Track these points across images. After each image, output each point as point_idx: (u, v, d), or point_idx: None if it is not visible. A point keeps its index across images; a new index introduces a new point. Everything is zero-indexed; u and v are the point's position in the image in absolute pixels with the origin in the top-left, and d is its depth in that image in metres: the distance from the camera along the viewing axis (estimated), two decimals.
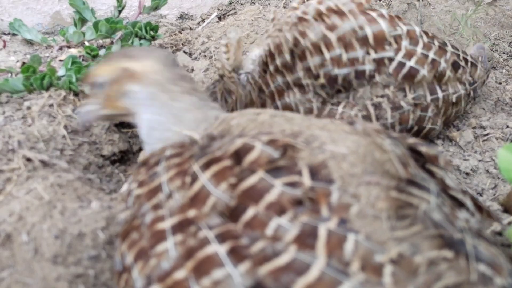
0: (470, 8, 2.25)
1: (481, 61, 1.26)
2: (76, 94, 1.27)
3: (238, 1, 2.34)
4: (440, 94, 1.12)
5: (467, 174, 1.09)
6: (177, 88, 0.86)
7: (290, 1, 2.31)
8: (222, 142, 0.67)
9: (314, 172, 0.59)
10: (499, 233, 0.76)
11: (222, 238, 0.55)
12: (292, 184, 0.57)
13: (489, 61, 1.30)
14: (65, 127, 1.14)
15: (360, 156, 0.62)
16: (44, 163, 1.04)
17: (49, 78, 1.25)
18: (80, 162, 1.12)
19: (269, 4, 2.24)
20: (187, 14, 2.27)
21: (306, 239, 0.53)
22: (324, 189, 0.57)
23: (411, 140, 0.72)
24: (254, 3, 2.29)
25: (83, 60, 1.55)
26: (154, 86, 0.86)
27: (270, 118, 0.75)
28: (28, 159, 1.05)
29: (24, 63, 1.52)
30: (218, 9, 2.26)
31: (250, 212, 0.56)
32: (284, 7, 2.12)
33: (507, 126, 1.20)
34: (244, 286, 0.51)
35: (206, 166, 0.62)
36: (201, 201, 0.59)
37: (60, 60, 1.57)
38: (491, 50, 1.91)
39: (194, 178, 0.61)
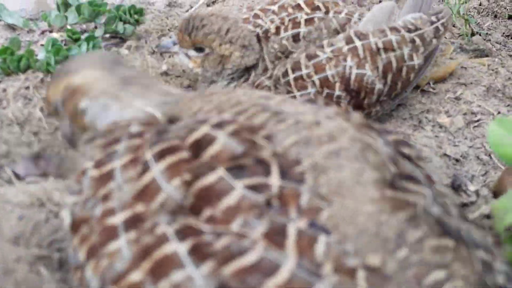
0: None
1: (421, 6, 1.27)
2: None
3: None
4: (358, 43, 1.16)
5: (457, 160, 1.06)
6: (127, 94, 0.75)
7: None
8: (179, 126, 0.60)
9: (284, 170, 0.53)
10: (487, 216, 0.73)
11: (183, 234, 0.49)
12: (256, 188, 0.51)
13: (439, 13, 1.26)
14: (41, 109, 1.10)
15: (352, 155, 0.56)
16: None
17: (26, 60, 1.21)
18: (57, 145, 1.08)
19: None
20: (175, 1, 2.23)
21: (275, 236, 0.48)
22: (293, 191, 0.51)
23: (394, 137, 0.67)
24: None
25: (65, 44, 1.50)
26: (102, 96, 0.75)
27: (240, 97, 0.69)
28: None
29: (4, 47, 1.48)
30: None
31: (208, 210, 0.50)
32: None
33: (499, 112, 1.17)
34: None
35: (160, 155, 0.55)
36: (150, 196, 0.52)
37: (42, 45, 1.52)
38: (484, 40, 1.88)
39: (146, 168, 0.55)
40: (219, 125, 0.57)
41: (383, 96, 1.17)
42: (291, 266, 0.46)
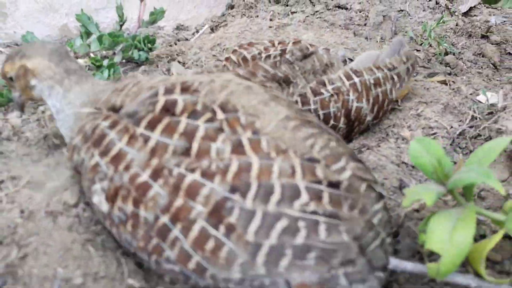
0: (442, 19, 2.45)
1: (396, 52, 1.51)
2: None
3: (230, 13, 2.55)
4: (356, 79, 1.38)
5: (413, 167, 1.28)
6: (67, 82, 1.08)
7: (278, 13, 2.52)
8: (138, 104, 0.88)
9: (223, 108, 0.83)
10: (418, 210, 0.95)
11: (191, 169, 0.78)
12: (210, 120, 0.81)
13: (408, 56, 1.52)
14: None
15: (241, 91, 0.89)
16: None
17: None
18: None
19: (257, 16, 2.45)
20: (183, 25, 2.48)
21: (238, 149, 0.78)
22: (234, 117, 0.82)
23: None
24: (245, 15, 2.50)
25: (89, 69, 1.75)
26: (49, 80, 1.09)
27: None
28: None
29: None
30: (212, 21, 2.47)
31: (194, 146, 0.79)
32: (271, 19, 2.32)
33: (451, 127, 1.40)
34: (225, 191, 0.75)
35: (151, 125, 0.83)
36: (160, 152, 0.80)
37: None
38: (457, 59, 2.10)
39: (146, 137, 0.82)
40: (169, 91, 0.87)
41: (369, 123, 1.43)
42: (257, 160, 0.77)
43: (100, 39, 1.77)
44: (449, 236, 0.76)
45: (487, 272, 0.86)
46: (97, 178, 0.85)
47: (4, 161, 1.17)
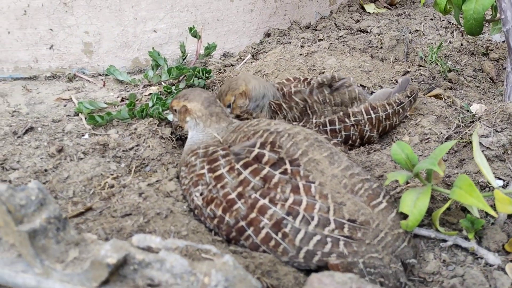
0: (449, 40, 2.85)
1: (403, 88, 1.94)
2: (162, 120, 1.99)
3: (267, 41, 3.04)
4: (373, 115, 1.81)
5: None
6: (208, 121, 1.56)
7: (308, 39, 2.98)
8: (239, 149, 1.34)
9: (291, 162, 1.28)
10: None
11: (263, 196, 1.24)
12: (283, 172, 1.26)
13: (411, 91, 1.94)
14: (161, 137, 1.86)
15: (317, 146, 1.34)
16: None
17: (146, 111, 1.98)
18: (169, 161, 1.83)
19: (290, 42, 2.92)
20: (228, 52, 2.99)
21: (295, 190, 1.23)
22: (297, 170, 1.26)
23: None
24: (279, 41, 2.98)
25: (160, 94, 2.27)
26: (197, 118, 1.58)
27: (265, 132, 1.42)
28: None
29: (122, 98, 2.27)
30: (252, 48, 2.96)
31: (267, 183, 1.24)
32: (302, 46, 2.79)
33: (441, 133, 1.82)
34: (283, 214, 1.21)
35: (245, 166, 1.29)
36: (246, 184, 1.27)
37: (145, 95, 2.31)
38: (458, 75, 2.50)
39: (239, 172, 1.29)
40: (263, 146, 1.32)
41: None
42: (306, 199, 1.21)
43: (169, 71, 2.30)
44: (413, 203, 1.21)
45: (445, 229, 1.29)
46: (200, 183, 1.36)
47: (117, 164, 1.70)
